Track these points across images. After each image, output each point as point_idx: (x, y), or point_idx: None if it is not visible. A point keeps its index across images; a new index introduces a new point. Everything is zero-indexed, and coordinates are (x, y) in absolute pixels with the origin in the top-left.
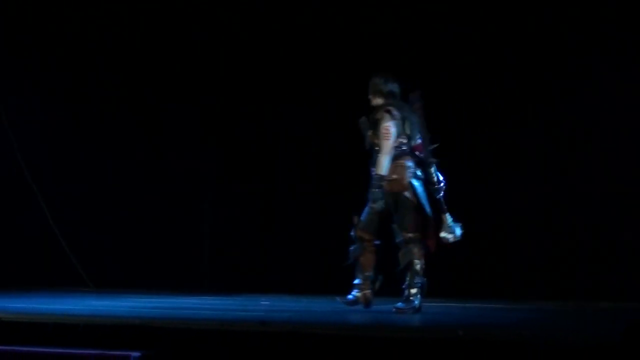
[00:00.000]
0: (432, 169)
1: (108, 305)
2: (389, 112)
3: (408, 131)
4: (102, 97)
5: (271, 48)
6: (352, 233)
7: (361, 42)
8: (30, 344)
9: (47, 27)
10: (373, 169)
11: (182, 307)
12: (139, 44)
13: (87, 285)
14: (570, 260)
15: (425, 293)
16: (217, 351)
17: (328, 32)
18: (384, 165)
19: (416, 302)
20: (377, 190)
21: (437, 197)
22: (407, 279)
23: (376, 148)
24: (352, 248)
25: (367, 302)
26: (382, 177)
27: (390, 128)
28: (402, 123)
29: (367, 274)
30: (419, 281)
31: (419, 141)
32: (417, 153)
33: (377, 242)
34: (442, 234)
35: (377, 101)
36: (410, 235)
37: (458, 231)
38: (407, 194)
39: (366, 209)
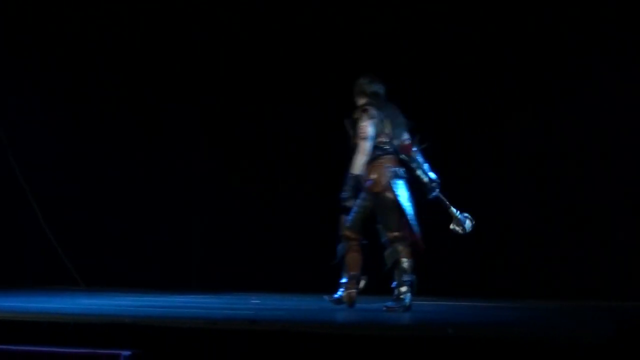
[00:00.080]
0: (419, 172)
1: (98, 304)
2: (366, 111)
3: (388, 130)
4: (102, 97)
5: (271, 48)
6: (338, 232)
7: (361, 42)
8: (20, 343)
9: (47, 27)
10: None
11: (173, 306)
12: (139, 44)
13: (77, 284)
14: (560, 259)
15: (415, 291)
16: (207, 350)
17: (328, 32)
18: (357, 164)
19: (406, 301)
20: (348, 189)
21: (431, 196)
22: (396, 277)
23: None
24: (339, 247)
25: (351, 302)
26: (356, 177)
27: (366, 127)
28: (381, 122)
29: (352, 273)
30: (408, 279)
31: (407, 142)
32: (402, 156)
33: (364, 242)
34: (452, 226)
35: (361, 101)
36: (395, 234)
37: (468, 223)
38: (387, 194)
39: (353, 209)
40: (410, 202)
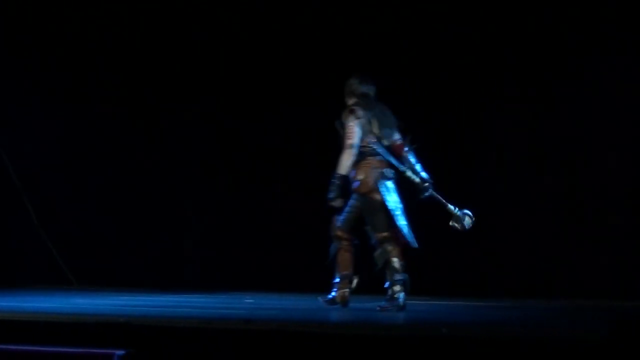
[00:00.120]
0: (409, 173)
1: (92, 303)
2: (352, 111)
3: (376, 131)
4: (102, 97)
5: (271, 48)
6: (330, 232)
7: (361, 42)
8: (13, 342)
9: (47, 27)
10: None
11: (166, 305)
12: (139, 44)
13: (70, 283)
14: (555, 258)
15: (409, 289)
16: (201, 349)
17: (328, 32)
18: (343, 164)
19: (400, 300)
20: (334, 189)
21: (423, 196)
22: (388, 277)
23: None
24: (331, 247)
25: (344, 301)
26: (341, 177)
27: (352, 128)
28: (368, 123)
29: (344, 273)
30: (400, 278)
31: (399, 142)
32: (390, 159)
33: (355, 242)
34: (451, 223)
35: (350, 102)
36: (383, 234)
37: (467, 220)
38: (374, 195)
39: (345, 209)
40: (400, 202)
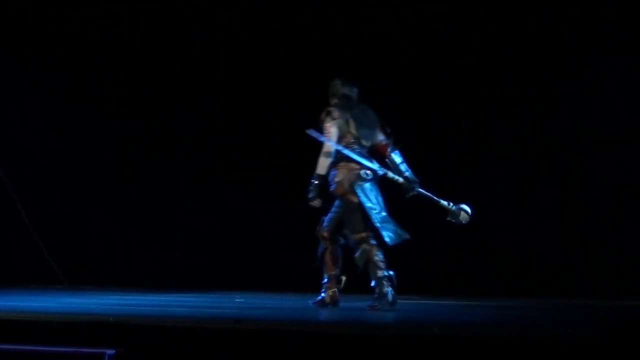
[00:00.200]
0: (390, 174)
1: (82, 302)
2: (329, 113)
3: (354, 131)
4: (102, 97)
5: (271, 48)
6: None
7: (361, 42)
8: (3, 342)
9: (47, 27)
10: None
11: (157, 304)
12: (139, 44)
13: (61, 283)
14: (545, 257)
15: (396, 284)
16: (191, 349)
17: (328, 32)
18: (320, 165)
19: (389, 296)
20: (313, 189)
21: (409, 195)
22: (372, 276)
23: None
24: (318, 248)
25: (333, 301)
26: (320, 177)
27: (329, 128)
28: (345, 124)
29: (332, 273)
30: (385, 274)
31: (383, 142)
32: (363, 162)
33: (342, 242)
34: (448, 218)
35: (333, 102)
36: (361, 235)
37: (462, 215)
38: (350, 196)
39: (331, 209)
40: (379, 203)
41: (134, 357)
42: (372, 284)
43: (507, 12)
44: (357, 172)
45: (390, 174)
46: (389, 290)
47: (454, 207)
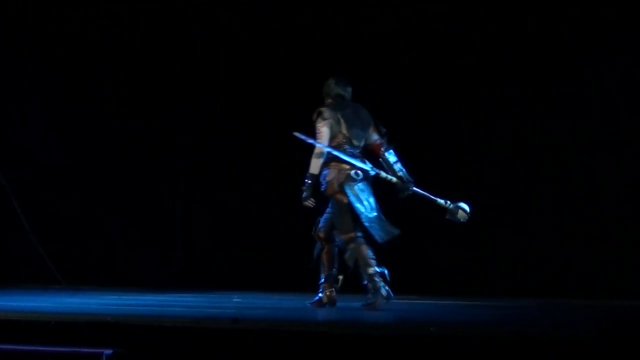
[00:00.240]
0: (383, 175)
1: (80, 302)
2: (320, 113)
3: (345, 131)
4: (102, 97)
5: (271, 48)
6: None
7: (361, 42)
8: (2, 342)
9: (47, 27)
10: None
11: (155, 304)
12: (139, 44)
13: (59, 283)
14: (543, 257)
15: (388, 280)
16: (189, 348)
17: (328, 32)
18: (313, 164)
19: (382, 292)
20: (306, 188)
21: (403, 195)
22: (364, 275)
23: None
24: (315, 248)
25: (331, 301)
26: (312, 176)
27: (320, 128)
28: (337, 124)
29: (329, 273)
30: (377, 271)
31: (378, 142)
32: (352, 162)
33: (337, 242)
34: (447, 217)
35: (326, 102)
36: (349, 235)
37: (460, 213)
38: (339, 196)
39: (327, 209)
40: (371, 204)
41: (132, 357)
42: (364, 282)
43: (507, 12)
44: (347, 172)
45: (383, 174)
46: (381, 285)
47: (451, 206)
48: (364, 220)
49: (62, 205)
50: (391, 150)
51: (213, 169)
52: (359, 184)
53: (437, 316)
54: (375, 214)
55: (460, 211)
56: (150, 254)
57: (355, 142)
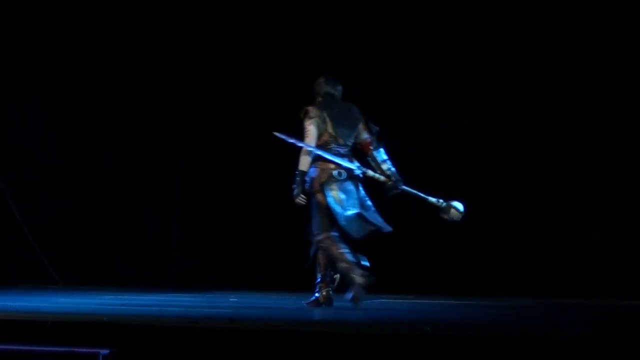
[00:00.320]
0: (370, 173)
1: (76, 302)
2: (306, 112)
3: (331, 130)
4: (102, 97)
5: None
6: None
7: (361, 42)
8: None
9: (47, 27)
10: None
11: (151, 304)
12: (139, 44)
13: (55, 282)
14: (538, 257)
15: (360, 264)
16: (185, 348)
17: (328, 32)
18: (301, 162)
19: (357, 278)
20: (295, 186)
21: (392, 194)
22: (338, 270)
23: None
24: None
25: (327, 301)
26: (301, 173)
27: (307, 127)
28: (323, 122)
29: (324, 272)
30: (351, 260)
31: (367, 140)
32: (337, 161)
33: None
34: (441, 216)
35: (316, 101)
36: (323, 235)
37: (452, 212)
38: (319, 196)
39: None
40: (354, 204)
41: (128, 357)
42: (337, 276)
43: (507, 12)
44: (329, 172)
45: (370, 173)
46: (356, 274)
47: (443, 204)
48: (340, 220)
49: (62, 205)
50: (381, 149)
51: (212, 169)
52: (344, 184)
53: (432, 316)
54: (355, 211)
55: (452, 210)
56: (148, 254)
57: (342, 141)
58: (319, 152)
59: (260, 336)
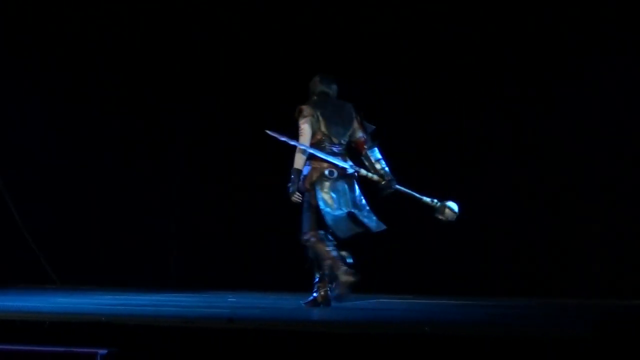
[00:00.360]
0: (363, 172)
1: (75, 302)
2: (300, 111)
3: (324, 129)
4: (102, 97)
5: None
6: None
7: (361, 42)
8: None
9: (47, 27)
10: None
11: (149, 304)
12: (139, 44)
13: (53, 282)
14: (544, 258)
15: (351, 262)
16: (183, 348)
17: (328, 32)
18: (296, 160)
19: (344, 278)
20: (290, 184)
21: (386, 193)
22: (326, 269)
23: None
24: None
25: (325, 301)
26: (296, 171)
27: (301, 125)
28: (317, 121)
29: (323, 272)
30: (334, 256)
31: (362, 139)
32: (330, 159)
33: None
34: (435, 215)
35: (311, 100)
36: (310, 234)
37: (447, 212)
38: (308, 195)
39: None
40: (347, 203)
41: (126, 357)
42: (316, 276)
43: (507, 12)
44: (321, 171)
45: (363, 172)
46: (342, 271)
47: (438, 204)
48: (327, 219)
49: (61, 205)
50: (375, 148)
51: (212, 169)
52: (336, 183)
53: (430, 316)
54: (344, 211)
55: (447, 210)
56: (146, 254)
57: (336, 140)
58: (312, 151)
59: (259, 336)
